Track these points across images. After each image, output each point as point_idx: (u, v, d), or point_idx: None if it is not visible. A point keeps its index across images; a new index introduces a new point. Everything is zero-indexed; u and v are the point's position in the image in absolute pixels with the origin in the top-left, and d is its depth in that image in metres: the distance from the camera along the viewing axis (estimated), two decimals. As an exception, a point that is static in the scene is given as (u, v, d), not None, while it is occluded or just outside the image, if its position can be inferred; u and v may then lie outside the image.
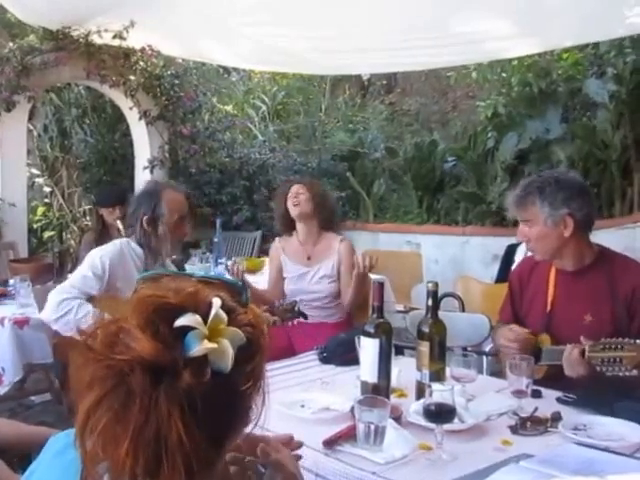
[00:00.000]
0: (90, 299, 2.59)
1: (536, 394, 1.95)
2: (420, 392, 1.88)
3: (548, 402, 1.93)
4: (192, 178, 5.91)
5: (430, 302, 1.95)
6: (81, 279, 2.60)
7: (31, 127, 6.32)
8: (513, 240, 4.20)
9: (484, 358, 2.82)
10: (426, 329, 1.93)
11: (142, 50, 5.55)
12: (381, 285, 1.96)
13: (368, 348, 1.87)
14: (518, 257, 3.94)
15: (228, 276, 3.10)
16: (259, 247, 5.90)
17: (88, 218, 6.72)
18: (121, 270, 2.65)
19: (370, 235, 6.47)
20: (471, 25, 4.83)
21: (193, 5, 4.86)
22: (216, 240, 4.61)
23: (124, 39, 5.37)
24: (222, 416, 0.83)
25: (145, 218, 2.69)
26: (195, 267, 4.38)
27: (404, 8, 4.58)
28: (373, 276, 4.19)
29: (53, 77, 5.53)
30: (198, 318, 0.80)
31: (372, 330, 1.88)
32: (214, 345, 0.79)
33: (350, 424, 1.67)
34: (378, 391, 1.83)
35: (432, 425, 1.61)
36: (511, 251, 4.12)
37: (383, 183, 6.58)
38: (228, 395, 0.83)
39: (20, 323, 3.09)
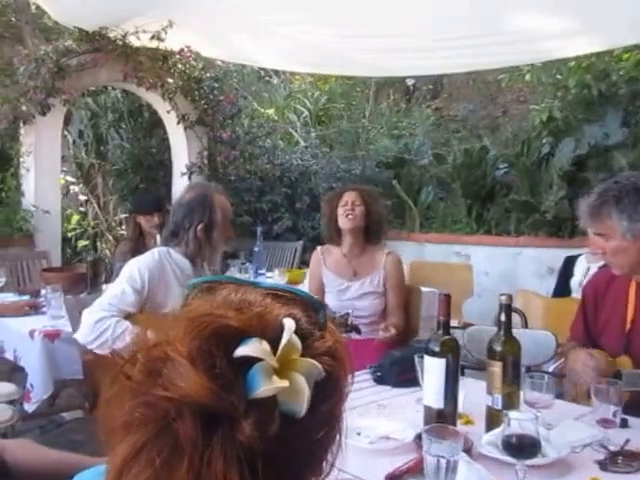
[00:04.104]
0: (128, 317, 2.39)
1: (622, 423, 1.74)
2: (491, 420, 1.72)
3: (637, 432, 1.74)
4: (231, 185, 5.69)
5: (503, 317, 1.77)
6: (120, 295, 2.40)
7: (66, 133, 6.19)
8: (572, 252, 4.03)
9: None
10: (498, 347, 1.75)
11: (180, 51, 5.36)
12: (447, 298, 1.81)
13: (432, 369, 1.72)
14: (578, 270, 3.80)
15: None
16: (300, 258, 5.66)
17: (123, 227, 6.56)
18: (162, 283, 2.47)
19: (416, 245, 6.22)
20: (523, 23, 4.57)
21: (232, 5, 4.69)
22: (256, 250, 4.46)
23: (162, 40, 5.19)
24: (290, 474, 0.67)
25: (200, 227, 2.53)
26: (234, 278, 4.18)
27: (452, 6, 4.37)
28: (424, 288, 3.94)
29: (89, 80, 5.38)
30: (265, 346, 0.63)
31: (437, 348, 1.72)
32: (285, 383, 0.62)
33: (415, 456, 1.50)
34: (444, 418, 1.68)
35: (511, 459, 1.44)
36: (570, 263, 3.93)
37: (431, 191, 6.27)
38: (299, 445, 0.66)
39: (51, 336, 2.93)
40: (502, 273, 5.69)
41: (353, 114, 7.66)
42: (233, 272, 4.34)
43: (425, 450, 1.41)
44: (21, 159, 5.13)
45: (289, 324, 0.66)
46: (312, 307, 0.74)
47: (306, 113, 7.45)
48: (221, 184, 5.52)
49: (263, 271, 4.41)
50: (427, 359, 1.73)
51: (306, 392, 0.64)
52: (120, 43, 5.21)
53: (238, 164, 5.83)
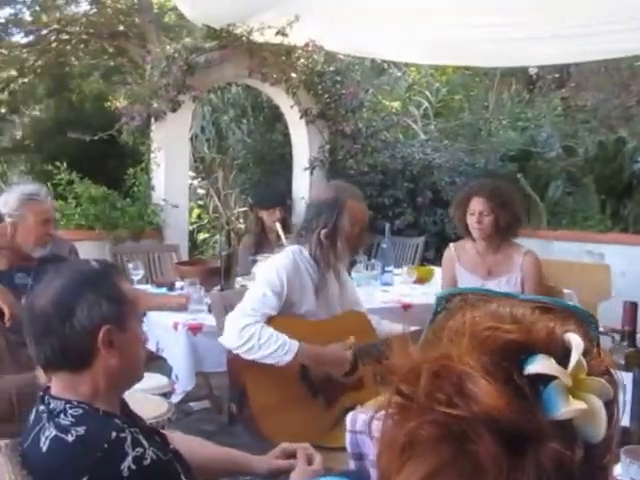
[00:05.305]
0: (269, 320, 2.38)
1: None
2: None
3: None
4: (353, 179, 5.61)
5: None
6: (261, 299, 2.37)
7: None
8: None
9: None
10: None
11: (305, 46, 5.34)
12: (634, 306, 1.68)
13: (617, 383, 1.57)
14: None
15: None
16: (422, 254, 5.51)
17: (241, 221, 6.65)
18: (297, 283, 2.44)
19: (542, 243, 5.91)
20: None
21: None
22: (384, 246, 4.36)
23: (286, 35, 5.18)
24: None
25: (324, 231, 2.44)
26: (362, 275, 4.12)
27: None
28: (566, 290, 3.74)
29: (216, 76, 5.45)
30: (555, 364, 0.59)
31: (622, 361, 1.62)
32: (582, 405, 0.58)
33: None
34: (628, 436, 1.54)
35: None
36: None
37: (559, 185, 5.94)
38: (589, 474, 0.60)
39: (194, 329, 2.98)
40: (641, 275, 5.34)
41: (473, 105, 7.41)
42: (359, 268, 4.26)
43: (622, 473, 1.34)
44: (152, 155, 5.27)
45: (576, 341, 0.61)
46: (584, 321, 0.71)
47: (426, 105, 7.27)
48: (342, 178, 5.50)
49: (390, 268, 4.28)
50: None
51: (603, 415, 0.59)
52: (245, 39, 5.25)
53: (359, 158, 5.75)
